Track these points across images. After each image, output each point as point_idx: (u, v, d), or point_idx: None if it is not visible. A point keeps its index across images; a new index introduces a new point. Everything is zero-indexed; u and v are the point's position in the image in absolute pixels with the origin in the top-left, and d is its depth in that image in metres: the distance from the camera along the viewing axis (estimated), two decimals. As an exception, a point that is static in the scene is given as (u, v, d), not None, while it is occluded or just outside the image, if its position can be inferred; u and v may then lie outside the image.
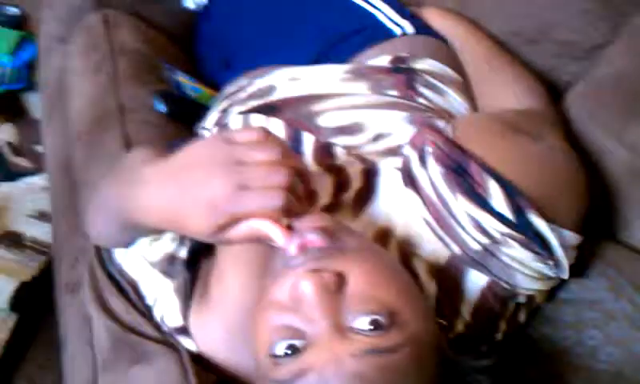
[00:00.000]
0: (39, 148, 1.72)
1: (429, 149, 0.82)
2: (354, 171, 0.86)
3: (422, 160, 0.82)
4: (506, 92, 1.05)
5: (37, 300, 1.41)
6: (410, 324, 0.62)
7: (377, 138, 0.90)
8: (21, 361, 1.36)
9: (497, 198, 0.78)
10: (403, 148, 0.86)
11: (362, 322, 0.61)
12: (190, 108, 1.20)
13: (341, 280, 0.63)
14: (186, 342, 0.84)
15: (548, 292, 0.86)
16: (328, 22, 1.18)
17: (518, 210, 0.77)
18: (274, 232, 0.65)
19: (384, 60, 1.07)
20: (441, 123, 0.88)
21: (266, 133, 0.68)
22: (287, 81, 1.03)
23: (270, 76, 1.05)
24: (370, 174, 0.85)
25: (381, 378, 0.58)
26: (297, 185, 0.66)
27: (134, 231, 0.81)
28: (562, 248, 0.79)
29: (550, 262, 0.79)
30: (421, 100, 0.99)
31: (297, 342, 0.61)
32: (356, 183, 0.85)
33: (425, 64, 1.06)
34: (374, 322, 0.61)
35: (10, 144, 1.74)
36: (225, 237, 0.66)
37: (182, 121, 1.19)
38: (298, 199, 0.66)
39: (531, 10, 1.18)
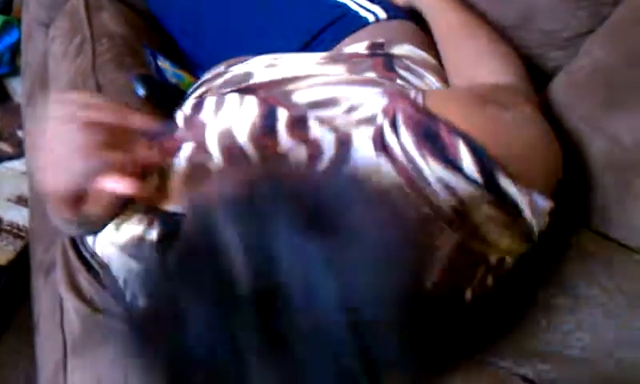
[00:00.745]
0: (21, 133, 1.71)
1: (400, 116, 0.82)
2: (328, 141, 0.86)
3: (394, 127, 0.82)
4: (480, 66, 1.05)
5: (12, 284, 1.40)
6: None
7: (350, 109, 0.89)
8: (-5, 344, 1.35)
9: (466, 159, 0.78)
10: (376, 117, 0.86)
11: None
12: (170, 93, 1.19)
13: None
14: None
15: (519, 257, 0.85)
16: (301, 20, 1.17)
17: (488, 172, 0.77)
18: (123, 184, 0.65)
19: (360, 47, 1.07)
20: (412, 93, 0.88)
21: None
22: (264, 68, 1.02)
23: (246, 63, 1.05)
24: (343, 144, 0.85)
25: None
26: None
27: None
28: (532, 211, 0.79)
29: (519, 221, 0.79)
30: (400, 82, 0.99)
31: None
32: (329, 153, 0.85)
33: (402, 49, 1.06)
34: None
35: (-9, 128, 1.73)
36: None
37: (161, 106, 1.18)
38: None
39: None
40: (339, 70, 1.00)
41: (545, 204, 0.81)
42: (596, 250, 0.91)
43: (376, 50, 1.05)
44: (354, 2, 1.16)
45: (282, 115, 0.89)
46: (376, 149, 0.82)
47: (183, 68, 1.29)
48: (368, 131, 0.84)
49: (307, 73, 0.98)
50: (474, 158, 0.78)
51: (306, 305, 0.52)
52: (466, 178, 0.78)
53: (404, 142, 0.80)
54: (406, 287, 0.57)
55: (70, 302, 0.92)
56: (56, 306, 0.98)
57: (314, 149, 0.86)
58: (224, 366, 0.53)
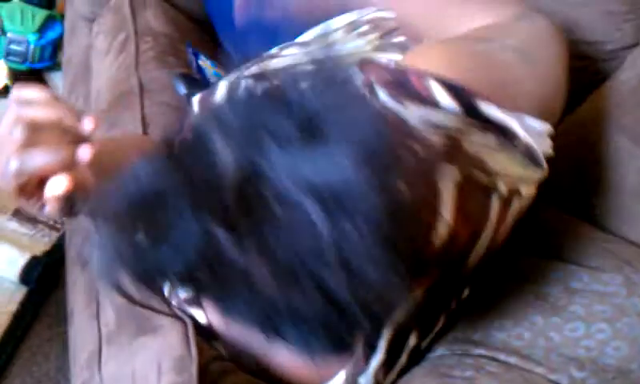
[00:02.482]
0: (59, 127, 1.73)
1: (375, 80, 0.82)
2: None
3: (372, 92, 0.82)
4: (468, 16, 1.01)
5: (46, 275, 1.41)
6: None
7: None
8: (27, 333, 1.36)
9: (441, 95, 0.77)
10: None
11: None
12: (208, 92, 1.21)
13: None
14: (197, 314, 0.84)
15: (536, 187, 0.82)
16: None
17: (464, 100, 0.77)
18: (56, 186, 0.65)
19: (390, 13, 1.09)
20: (384, 59, 0.89)
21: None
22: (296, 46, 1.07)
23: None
24: None
25: None
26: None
27: None
28: (527, 131, 0.77)
29: (517, 144, 0.77)
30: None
31: None
32: None
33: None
34: None
35: (30, 121, 1.75)
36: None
37: (201, 104, 1.20)
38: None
39: (560, 6, 1.18)
40: (372, 38, 1.03)
41: (539, 124, 0.79)
42: (633, 260, 0.89)
43: None
44: None
45: None
46: None
47: (222, 67, 1.30)
48: None
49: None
50: (448, 91, 0.77)
51: (288, 213, 0.51)
52: (445, 110, 0.77)
53: (383, 99, 0.80)
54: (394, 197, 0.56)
55: (109, 295, 0.92)
56: (92, 297, 0.99)
57: None
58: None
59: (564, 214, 1.00)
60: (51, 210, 0.66)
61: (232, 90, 0.89)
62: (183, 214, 0.53)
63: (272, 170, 0.52)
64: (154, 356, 0.82)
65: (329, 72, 0.63)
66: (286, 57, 1.05)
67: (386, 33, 1.05)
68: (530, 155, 0.78)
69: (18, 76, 1.81)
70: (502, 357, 0.84)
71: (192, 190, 0.53)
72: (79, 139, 0.66)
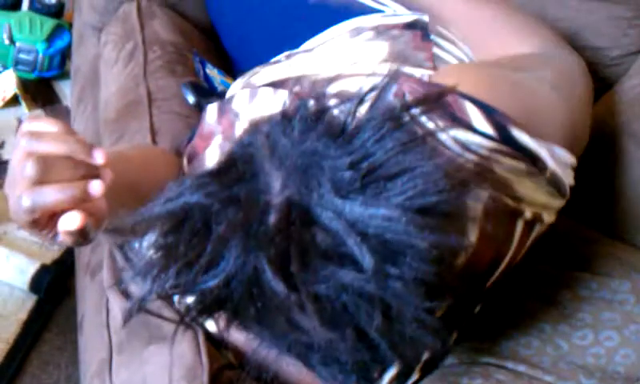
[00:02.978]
0: (68, 135, 1.73)
1: (408, 94, 0.83)
2: None
3: (404, 106, 0.83)
4: (501, 43, 1.04)
5: (55, 283, 1.42)
6: None
7: (361, 101, 0.91)
8: (37, 341, 1.37)
9: (476, 117, 0.78)
10: None
11: None
12: (217, 100, 1.21)
13: None
14: (207, 323, 0.84)
15: (556, 214, 0.83)
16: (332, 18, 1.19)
17: (499, 125, 0.77)
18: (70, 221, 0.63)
19: (394, 20, 1.09)
20: (417, 73, 0.89)
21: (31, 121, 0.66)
22: (302, 53, 1.07)
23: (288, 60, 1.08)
24: None
25: None
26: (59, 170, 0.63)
27: None
28: (555, 161, 0.78)
29: (546, 174, 0.78)
30: (436, 50, 1.02)
31: None
32: None
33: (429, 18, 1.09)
34: None
35: (39, 130, 1.76)
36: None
37: (209, 113, 1.20)
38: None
39: (566, 12, 1.18)
40: (382, 46, 1.04)
41: (567, 156, 0.80)
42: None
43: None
44: (388, 7, 1.18)
45: (310, 108, 0.91)
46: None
47: (230, 75, 1.31)
48: None
49: (340, 63, 1.02)
50: (483, 115, 0.77)
51: (337, 261, 0.52)
52: (479, 133, 0.77)
53: (415, 114, 0.81)
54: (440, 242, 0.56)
55: (116, 302, 0.93)
56: (102, 305, 0.99)
57: None
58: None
59: (572, 220, 1.00)
60: (65, 241, 0.66)
61: (286, 110, 0.90)
62: (230, 244, 0.53)
63: (323, 208, 0.53)
64: (165, 364, 0.82)
65: (388, 114, 0.63)
66: (295, 65, 1.06)
67: (393, 40, 1.05)
68: (555, 184, 0.79)
69: (26, 85, 1.82)
70: (510, 365, 0.84)
71: (239, 218, 0.53)
72: (91, 172, 0.66)
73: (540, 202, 0.81)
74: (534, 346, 0.85)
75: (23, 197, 0.61)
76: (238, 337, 0.82)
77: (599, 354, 0.82)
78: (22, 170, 0.62)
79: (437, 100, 0.79)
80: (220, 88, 1.26)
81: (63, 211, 0.63)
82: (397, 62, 1.01)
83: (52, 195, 0.62)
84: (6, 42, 1.77)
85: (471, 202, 0.78)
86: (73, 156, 0.64)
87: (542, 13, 1.21)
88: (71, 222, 0.63)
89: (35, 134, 0.63)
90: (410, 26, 1.07)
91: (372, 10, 1.16)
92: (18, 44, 1.78)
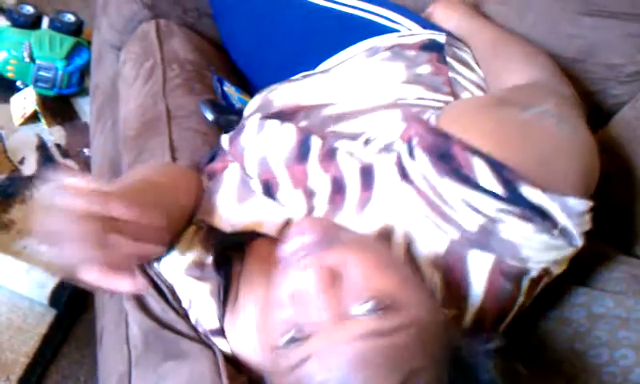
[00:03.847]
0: (87, 151, 1.76)
1: (415, 140, 0.83)
2: (352, 173, 0.87)
3: (411, 152, 0.83)
4: (508, 70, 1.06)
5: (75, 298, 1.43)
6: (408, 308, 0.64)
7: (367, 141, 0.92)
8: (56, 355, 1.38)
9: (484, 175, 0.77)
10: (394, 144, 0.87)
11: (360, 308, 0.63)
12: (235, 117, 1.22)
13: (335, 273, 0.66)
14: (220, 344, 0.85)
15: (567, 263, 0.83)
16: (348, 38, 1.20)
17: (508, 184, 0.77)
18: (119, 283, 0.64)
19: (410, 40, 1.10)
20: (427, 114, 0.89)
21: (70, 177, 0.65)
22: (318, 74, 1.08)
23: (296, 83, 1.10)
24: (366, 174, 0.87)
25: (382, 359, 0.60)
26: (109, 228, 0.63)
27: None
28: (567, 215, 0.77)
29: (555, 232, 0.77)
30: (451, 74, 1.03)
31: (297, 334, 0.64)
32: (354, 185, 0.87)
33: (447, 39, 1.11)
34: (371, 307, 0.63)
35: (58, 146, 1.78)
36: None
37: (226, 130, 1.21)
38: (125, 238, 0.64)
39: (580, 29, 1.19)
40: (399, 68, 1.05)
41: (580, 204, 0.78)
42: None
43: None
44: (402, 25, 1.19)
45: (316, 144, 0.91)
46: (400, 175, 0.84)
47: (246, 93, 1.32)
48: (390, 158, 0.86)
49: (357, 87, 1.03)
50: (492, 172, 0.77)
51: None
52: (486, 193, 0.77)
53: (421, 166, 0.81)
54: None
55: (135, 317, 0.93)
56: (121, 320, 1.00)
57: (338, 181, 0.88)
58: None
59: (588, 236, 1.00)
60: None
61: (261, 164, 0.93)
62: None
63: None
64: (184, 382, 0.83)
65: None
66: (309, 84, 1.06)
67: (409, 62, 1.06)
68: (565, 238, 0.78)
69: (46, 102, 1.84)
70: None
71: None
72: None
73: (548, 259, 0.81)
74: (549, 364, 0.85)
75: (93, 251, 0.61)
76: (249, 358, 0.84)
77: (615, 373, 0.82)
78: (69, 223, 0.61)
79: (444, 151, 0.79)
80: (237, 105, 1.28)
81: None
82: (415, 85, 1.01)
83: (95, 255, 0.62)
84: (27, 59, 1.79)
85: (475, 268, 0.79)
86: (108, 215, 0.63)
87: (555, 29, 1.21)
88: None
89: (76, 191, 0.63)
90: (426, 47, 1.08)
91: (387, 30, 1.16)
92: (37, 62, 1.80)
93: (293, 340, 0.64)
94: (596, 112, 1.16)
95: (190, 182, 0.98)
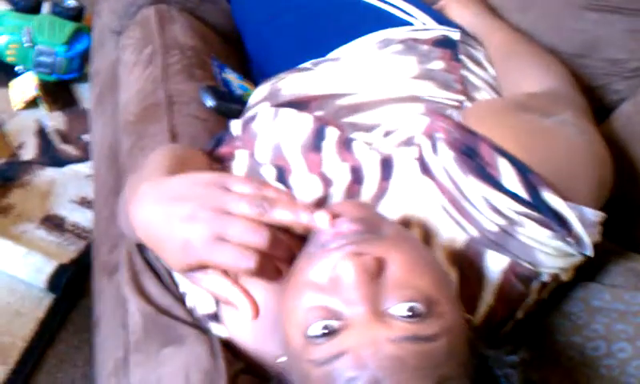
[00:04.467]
0: (86, 137, 1.75)
1: (439, 135, 0.83)
2: (372, 164, 0.87)
3: (434, 147, 0.83)
4: (524, 76, 1.06)
5: (73, 283, 1.43)
6: (446, 314, 0.63)
7: (386, 134, 0.91)
8: (54, 340, 1.38)
9: (509, 177, 0.77)
10: (415, 138, 0.87)
11: (401, 309, 0.61)
12: (235, 104, 1.22)
13: (381, 265, 0.64)
14: (216, 329, 0.85)
15: (575, 270, 0.84)
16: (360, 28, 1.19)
17: (532, 188, 0.77)
18: (235, 298, 0.67)
19: (424, 35, 1.10)
20: (451, 111, 0.89)
21: (263, 185, 0.68)
22: (329, 61, 1.07)
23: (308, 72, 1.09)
24: (385, 166, 0.86)
25: (417, 364, 0.59)
26: (277, 246, 0.66)
27: None
28: (582, 224, 0.77)
29: (570, 240, 0.77)
30: (463, 72, 1.03)
31: (333, 323, 0.62)
32: (373, 175, 0.86)
33: (460, 36, 1.10)
34: (412, 310, 0.61)
35: (58, 131, 1.78)
36: (192, 277, 0.69)
37: (227, 116, 1.21)
38: (277, 259, 0.67)
39: (583, 24, 1.18)
40: (411, 62, 1.04)
41: (595, 216, 0.79)
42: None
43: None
44: (407, 14, 1.19)
45: (331, 134, 0.91)
46: (420, 169, 0.83)
47: (247, 79, 1.32)
48: (410, 152, 0.86)
49: (369, 78, 1.02)
50: (516, 175, 0.77)
51: None
52: (509, 194, 0.77)
53: (444, 161, 0.81)
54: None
55: (134, 302, 0.93)
56: (119, 305, 1.00)
57: (357, 171, 0.87)
58: None
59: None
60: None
61: (275, 150, 0.93)
62: None
63: None
64: (181, 367, 0.83)
65: None
66: (319, 73, 1.06)
67: (422, 56, 1.06)
68: (578, 246, 0.79)
69: (46, 87, 1.83)
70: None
71: None
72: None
73: (558, 266, 0.81)
74: (547, 356, 0.85)
75: (251, 259, 0.64)
76: (245, 343, 0.84)
77: (612, 366, 0.82)
78: (253, 237, 0.65)
79: (471, 148, 0.79)
80: (238, 92, 1.27)
81: None
82: (426, 80, 1.01)
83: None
84: (27, 44, 1.79)
85: (490, 267, 0.79)
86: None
87: (559, 24, 1.21)
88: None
89: (267, 201, 0.66)
90: (440, 43, 1.08)
91: (401, 22, 1.16)
92: (38, 46, 1.79)
93: (325, 330, 0.62)
94: (598, 107, 1.15)
95: (204, 165, 0.98)
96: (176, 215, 0.67)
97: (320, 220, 0.66)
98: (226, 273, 0.68)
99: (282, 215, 0.66)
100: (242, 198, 0.66)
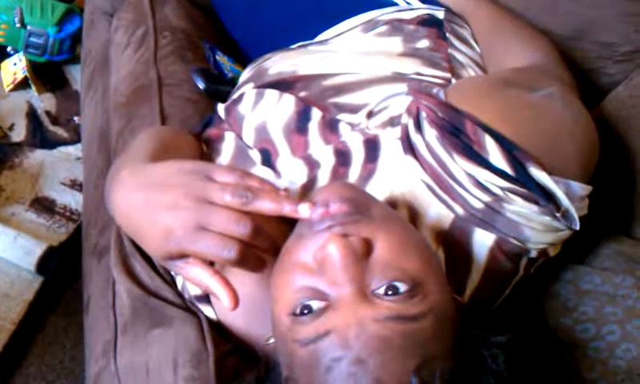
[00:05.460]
0: (76, 119, 1.75)
1: (423, 114, 0.82)
2: (356, 145, 0.87)
3: (418, 126, 0.82)
4: (509, 50, 1.05)
5: (62, 265, 1.43)
6: (432, 294, 0.63)
7: (370, 114, 0.90)
8: (43, 323, 1.38)
9: (494, 153, 0.77)
10: (400, 118, 0.86)
11: (386, 289, 0.61)
12: (226, 87, 1.21)
13: (367, 246, 0.64)
14: (206, 310, 0.85)
15: (561, 245, 0.84)
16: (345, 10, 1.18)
17: (517, 164, 0.76)
18: (215, 288, 0.67)
19: (409, 15, 1.09)
20: (435, 89, 0.88)
21: (246, 175, 0.69)
22: (315, 44, 1.07)
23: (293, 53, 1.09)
24: (370, 147, 0.86)
25: (402, 344, 0.59)
26: (260, 237, 0.66)
27: None
28: (569, 198, 0.77)
29: (558, 214, 0.77)
30: (450, 50, 1.02)
31: (319, 304, 0.62)
32: (358, 157, 0.86)
33: (446, 15, 1.10)
34: (397, 290, 0.61)
35: (48, 113, 1.77)
36: (172, 266, 0.68)
37: (217, 99, 1.21)
38: (258, 250, 0.67)
39: (577, 7, 1.18)
40: (395, 42, 1.03)
41: (582, 189, 0.79)
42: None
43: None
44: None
45: (316, 116, 0.91)
46: (404, 149, 0.83)
47: (239, 62, 1.31)
48: (395, 132, 0.85)
49: (354, 59, 1.01)
50: (501, 151, 0.77)
51: None
52: (496, 171, 0.77)
53: (429, 139, 0.81)
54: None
55: (123, 284, 0.93)
56: (108, 287, 1.00)
57: (342, 153, 0.87)
58: None
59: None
60: None
61: (259, 131, 0.93)
62: None
63: None
64: (169, 348, 0.83)
65: None
66: (306, 59, 1.05)
67: (407, 36, 1.05)
68: (566, 221, 0.78)
69: (37, 68, 1.82)
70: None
71: None
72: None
73: (546, 241, 0.81)
74: (535, 339, 0.85)
75: (233, 249, 0.64)
76: (234, 324, 0.83)
77: (600, 348, 0.82)
78: (236, 227, 0.64)
79: (455, 127, 0.79)
80: (230, 75, 1.27)
81: None
82: (413, 58, 1.00)
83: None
84: (17, 25, 1.77)
85: (477, 245, 0.79)
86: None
87: (552, 7, 1.21)
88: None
89: (250, 191, 0.66)
90: (425, 22, 1.07)
91: (386, 3, 1.15)
92: (28, 27, 1.78)
93: (311, 310, 0.62)
94: (590, 90, 1.15)
95: (192, 148, 0.97)
96: (158, 203, 0.67)
97: (303, 211, 0.66)
98: (209, 262, 0.68)
99: (265, 205, 0.66)
100: (225, 188, 0.66)
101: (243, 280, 0.80)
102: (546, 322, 0.88)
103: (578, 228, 0.79)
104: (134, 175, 0.72)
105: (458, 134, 0.79)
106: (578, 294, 0.87)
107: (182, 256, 0.67)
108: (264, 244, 0.67)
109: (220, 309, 0.84)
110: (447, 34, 1.06)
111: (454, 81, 0.97)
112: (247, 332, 0.82)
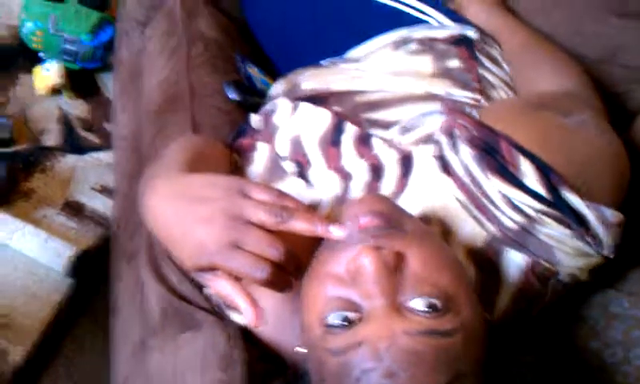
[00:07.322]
0: (108, 126, 1.77)
1: (458, 132, 0.83)
2: (389, 160, 0.88)
3: (453, 144, 0.83)
4: (540, 75, 1.06)
5: (91, 269, 1.44)
6: (463, 311, 0.64)
7: (403, 131, 0.91)
8: (72, 325, 1.40)
9: (529, 175, 0.78)
10: (434, 135, 0.87)
11: (419, 303, 0.62)
12: (256, 98, 1.23)
13: (400, 260, 0.65)
14: (235, 316, 0.86)
15: (593, 271, 0.84)
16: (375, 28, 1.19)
17: (552, 187, 0.77)
18: (242, 305, 0.68)
19: (441, 33, 1.10)
20: (470, 110, 0.89)
21: (282, 195, 0.69)
22: (347, 62, 1.08)
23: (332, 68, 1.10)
24: (404, 163, 0.87)
25: (434, 359, 0.59)
26: (290, 261, 0.67)
27: None
28: (602, 225, 0.78)
29: (589, 239, 0.78)
30: (481, 71, 1.03)
31: (351, 315, 0.63)
32: (391, 172, 0.87)
33: (477, 35, 1.10)
34: (430, 305, 0.62)
35: (81, 119, 1.80)
36: (201, 277, 0.69)
37: (249, 110, 1.22)
38: (287, 273, 0.68)
39: (605, 29, 1.18)
40: (426, 61, 1.04)
41: (615, 215, 0.80)
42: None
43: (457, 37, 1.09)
44: (423, 13, 1.18)
45: (350, 130, 0.92)
46: (439, 166, 0.84)
47: (269, 75, 1.33)
48: (428, 149, 0.86)
49: (385, 78, 1.02)
50: (537, 173, 0.78)
51: None
52: (530, 192, 0.77)
53: (463, 158, 0.82)
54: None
55: (153, 288, 0.95)
56: (137, 290, 1.01)
57: (375, 167, 0.88)
58: None
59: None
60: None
61: (294, 144, 0.94)
62: None
63: None
64: (198, 352, 0.84)
65: None
66: (340, 76, 1.07)
67: (438, 55, 1.06)
68: (598, 245, 0.79)
69: (69, 75, 1.85)
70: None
71: None
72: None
73: (576, 266, 0.81)
74: (563, 360, 0.85)
75: (264, 270, 0.65)
76: (263, 332, 0.85)
77: (629, 373, 0.82)
78: (269, 249, 0.66)
79: (490, 146, 0.79)
80: (260, 87, 1.28)
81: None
82: (444, 78, 1.01)
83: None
84: (52, 31, 1.80)
85: (509, 265, 0.80)
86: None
87: (580, 29, 1.21)
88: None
89: (285, 211, 0.67)
90: (457, 41, 1.08)
91: (417, 21, 1.16)
92: (63, 34, 1.81)
93: (344, 320, 0.63)
94: (619, 114, 1.15)
95: (225, 158, 0.99)
96: (193, 215, 0.68)
97: (336, 232, 0.68)
98: (235, 276, 0.69)
99: (299, 225, 0.67)
100: (261, 206, 0.67)
101: (272, 292, 0.82)
102: (574, 345, 0.88)
103: (612, 256, 0.79)
104: (169, 184, 0.73)
105: (493, 153, 0.80)
106: (607, 318, 0.87)
107: (212, 269, 0.68)
108: (292, 267, 0.68)
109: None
110: (478, 54, 1.06)
111: (483, 101, 0.98)
112: (275, 339, 0.83)
